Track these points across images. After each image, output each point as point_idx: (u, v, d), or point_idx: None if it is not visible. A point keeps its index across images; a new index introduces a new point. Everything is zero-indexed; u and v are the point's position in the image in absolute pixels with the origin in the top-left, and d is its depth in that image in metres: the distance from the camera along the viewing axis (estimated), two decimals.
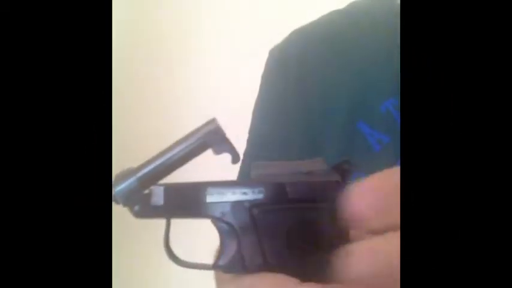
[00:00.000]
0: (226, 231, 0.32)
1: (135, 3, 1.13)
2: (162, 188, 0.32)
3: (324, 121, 0.49)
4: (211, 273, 0.35)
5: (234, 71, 1.12)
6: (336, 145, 0.47)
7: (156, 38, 1.14)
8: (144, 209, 0.32)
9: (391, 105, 0.44)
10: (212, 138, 0.32)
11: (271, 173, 0.32)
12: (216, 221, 0.32)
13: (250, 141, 0.56)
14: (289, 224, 0.31)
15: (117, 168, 0.32)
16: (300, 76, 0.51)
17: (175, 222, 0.33)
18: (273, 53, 0.56)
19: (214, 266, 0.32)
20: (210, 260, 0.34)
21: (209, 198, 0.32)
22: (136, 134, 1.10)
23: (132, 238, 0.91)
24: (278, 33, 1.06)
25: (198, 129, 0.32)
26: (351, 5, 0.53)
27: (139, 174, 0.32)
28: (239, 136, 0.59)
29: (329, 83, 0.50)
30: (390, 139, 0.43)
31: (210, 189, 0.32)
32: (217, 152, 0.32)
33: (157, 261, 0.34)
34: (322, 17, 0.54)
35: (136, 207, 0.31)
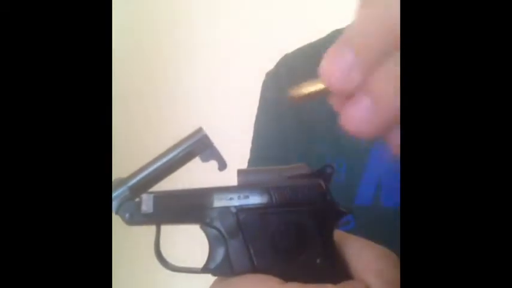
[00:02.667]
0: (215, 236, 0.33)
1: (135, 4, 1.14)
2: (151, 196, 0.33)
3: (313, 121, 0.55)
4: (207, 277, 0.36)
5: (233, 73, 1.13)
6: (325, 139, 0.53)
7: (156, 38, 1.14)
8: (135, 217, 0.33)
9: None
10: (199, 146, 0.33)
11: (257, 178, 0.33)
12: (205, 226, 0.33)
13: (253, 150, 0.62)
14: (274, 227, 0.32)
15: (116, 172, 0.33)
16: (290, 87, 0.57)
17: (168, 227, 0.34)
18: (268, 74, 0.64)
19: (203, 270, 0.33)
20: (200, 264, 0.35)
21: (198, 205, 0.33)
22: (136, 136, 1.11)
23: (131, 242, 0.92)
24: (277, 36, 1.07)
25: (185, 138, 0.33)
26: (333, 31, 0.60)
27: (130, 183, 0.33)
28: (235, 138, 0.61)
29: None
30: None
31: (198, 196, 0.33)
32: (205, 159, 0.33)
33: (154, 265, 0.35)
34: (309, 43, 0.63)
35: (127, 215, 0.33)
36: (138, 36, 1.16)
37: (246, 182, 0.33)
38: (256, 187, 0.32)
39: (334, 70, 0.22)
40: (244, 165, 0.57)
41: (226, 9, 1.14)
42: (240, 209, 0.32)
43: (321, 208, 0.32)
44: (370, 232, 0.37)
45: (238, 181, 0.33)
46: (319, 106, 0.55)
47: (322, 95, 0.24)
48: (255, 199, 0.32)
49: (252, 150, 0.61)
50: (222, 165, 0.33)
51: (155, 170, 0.33)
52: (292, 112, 0.57)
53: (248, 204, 0.32)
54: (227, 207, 0.32)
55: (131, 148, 0.93)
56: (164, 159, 0.33)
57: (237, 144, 0.56)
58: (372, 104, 0.22)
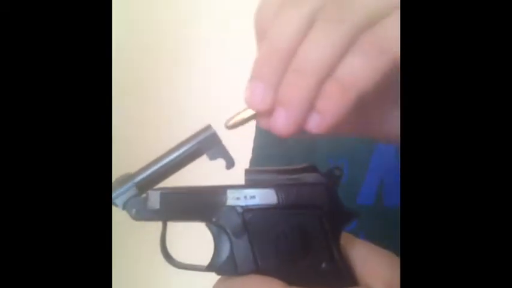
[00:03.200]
0: (220, 235, 0.33)
1: (135, 3, 1.14)
2: (158, 192, 0.33)
3: None
4: (210, 274, 0.36)
5: (234, 73, 1.12)
6: (326, 138, 0.52)
7: (156, 38, 1.14)
8: (142, 212, 0.33)
9: None
10: (208, 144, 0.32)
11: (264, 178, 0.33)
12: (210, 224, 0.33)
13: (254, 149, 0.61)
14: (280, 228, 0.32)
15: (116, 170, 0.33)
16: None
17: (174, 225, 0.34)
18: None
19: (208, 268, 0.33)
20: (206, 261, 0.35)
21: (204, 203, 0.33)
22: (136, 135, 1.10)
23: (132, 239, 0.92)
24: None
25: (193, 136, 0.33)
26: None
27: (137, 179, 0.33)
28: (235, 137, 0.61)
29: None
30: None
31: (205, 194, 0.33)
32: (212, 157, 0.33)
33: (157, 262, 0.35)
34: None
35: (134, 211, 0.33)
36: (139, 36, 1.15)
37: (254, 182, 0.33)
38: (263, 187, 0.32)
39: (252, 99, 0.28)
40: (246, 165, 0.58)
41: (227, 8, 1.14)
42: (246, 209, 0.32)
43: (328, 211, 0.32)
44: (371, 231, 0.38)
45: (246, 180, 0.33)
46: None
47: (252, 118, 0.30)
48: (262, 199, 0.32)
49: (254, 149, 0.60)
50: (230, 164, 0.32)
51: (162, 167, 0.33)
52: None
53: (254, 205, 0.32)
54: (233, 207, 0.32)
55: (131, 148, 0.93)
56: (172, 156, 0.32)
57: (236, 144, 0.56)
58: (284, 112, 0.28)
